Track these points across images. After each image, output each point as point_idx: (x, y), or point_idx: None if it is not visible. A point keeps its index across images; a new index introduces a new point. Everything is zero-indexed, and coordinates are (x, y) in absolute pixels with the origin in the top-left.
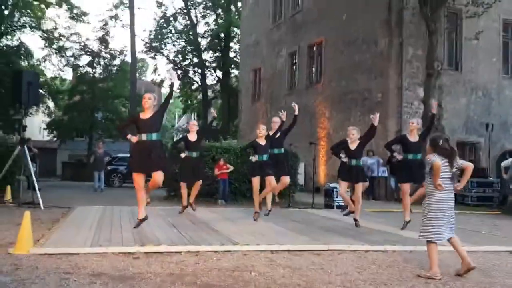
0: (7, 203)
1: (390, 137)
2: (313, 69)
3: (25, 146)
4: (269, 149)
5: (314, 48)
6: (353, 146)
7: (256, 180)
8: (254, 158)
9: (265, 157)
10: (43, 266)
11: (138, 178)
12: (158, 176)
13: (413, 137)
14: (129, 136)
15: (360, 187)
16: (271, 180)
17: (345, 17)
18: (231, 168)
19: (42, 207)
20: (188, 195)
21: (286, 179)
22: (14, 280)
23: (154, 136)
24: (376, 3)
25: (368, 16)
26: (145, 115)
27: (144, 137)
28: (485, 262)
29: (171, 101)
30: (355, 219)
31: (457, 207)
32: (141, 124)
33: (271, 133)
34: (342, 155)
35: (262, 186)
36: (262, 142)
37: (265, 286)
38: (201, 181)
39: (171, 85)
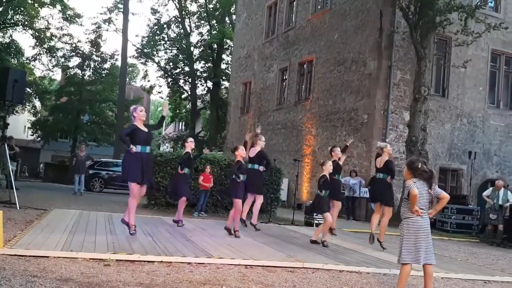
0: None
1: (374, 159)
2: (303, 86)
3: (6, 144)
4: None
5: (305, 65)
6: None
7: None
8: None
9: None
10: (10, 267)
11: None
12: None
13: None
14: (132, 147)
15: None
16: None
17: (337, 37)
18: (211, 185)
19: (18, 207)
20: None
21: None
22: None
23: (148, 149)
24: (367, 26)
25: (359, 38)
26: (142, 127)
27: (146, 149)
28: None
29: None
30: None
31: (435, 232)
32: (141, 135)
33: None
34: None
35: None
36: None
37: None
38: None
39: (163, 117)
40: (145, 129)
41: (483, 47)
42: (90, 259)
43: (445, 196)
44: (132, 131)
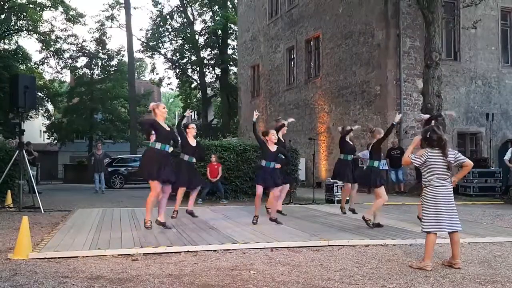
0: (7, 208)
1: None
2: (311, 64)
3: (24, 150)
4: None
5: (312, 42)
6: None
7: (261, 188)
8: (263, 162)
9: (272, 164)
10: (41, 270)
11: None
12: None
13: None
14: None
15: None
16: (274, 191)
17: (342, 10)
18: (219, 174)
19: (43, 211)
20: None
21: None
22: (12, 285)
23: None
24: None
25: (364, 9)
26: (164, 125)
27: (160, 146)
28: (487, 253)
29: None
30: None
31: (458, 198)
32: (163, 132)
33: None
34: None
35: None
36: (273, 148)
37: (263, 284)
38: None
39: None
40: (166, 127)
41: (492, 6)
42: (118, 255)
43: (469, 163)
44: (153, 123)
